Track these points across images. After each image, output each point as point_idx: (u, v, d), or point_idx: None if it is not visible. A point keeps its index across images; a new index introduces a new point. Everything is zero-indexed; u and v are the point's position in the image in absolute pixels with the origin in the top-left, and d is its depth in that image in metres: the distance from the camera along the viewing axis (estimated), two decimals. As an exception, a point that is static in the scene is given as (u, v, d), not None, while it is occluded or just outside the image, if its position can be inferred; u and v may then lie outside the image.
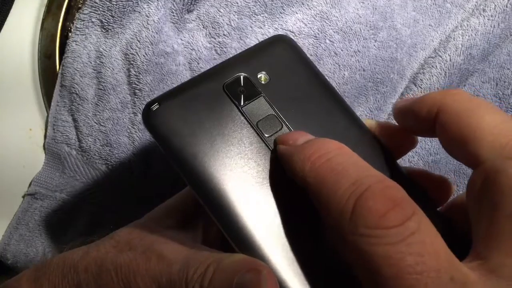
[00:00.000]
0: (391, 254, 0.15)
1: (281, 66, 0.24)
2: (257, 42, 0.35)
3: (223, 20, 0.35)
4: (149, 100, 0.23)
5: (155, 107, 0.22)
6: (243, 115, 0.23)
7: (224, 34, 0.35)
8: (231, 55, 0.35)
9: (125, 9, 0.34)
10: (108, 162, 0.35)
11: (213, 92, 0.23)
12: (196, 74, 0.35)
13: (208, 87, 0.23)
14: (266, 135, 0.22)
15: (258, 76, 0.24)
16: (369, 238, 0.16)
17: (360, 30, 0.35)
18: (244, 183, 0.21)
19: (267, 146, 0.22)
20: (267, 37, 0.35)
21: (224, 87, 0.23)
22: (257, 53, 0.24)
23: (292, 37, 0.36)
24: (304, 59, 0.25)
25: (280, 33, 0.35)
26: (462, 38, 0.35)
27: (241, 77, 0.23)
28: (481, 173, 0.18)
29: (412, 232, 0.16)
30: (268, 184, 0.21)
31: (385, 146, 0.23)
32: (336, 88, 0.25)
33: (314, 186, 0.18)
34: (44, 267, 0.24)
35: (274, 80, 0.24)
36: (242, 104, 0.23)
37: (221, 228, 0.20)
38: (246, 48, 0.35)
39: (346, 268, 0.19)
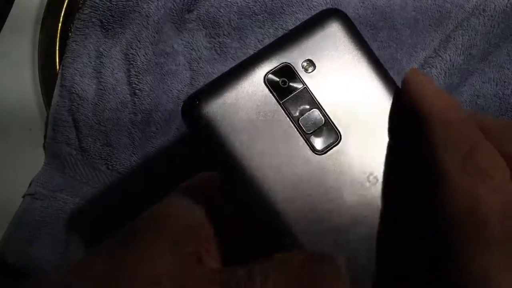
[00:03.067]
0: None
1: (329, 49, 0.22)
2: (257, 42, 0.35)
3: (223, 20, 0.35)
4: (189, 94, 0.21)
5: (195, 103, 0.21)
6: (284, 111, 0.21)
7: (224, 34, 0.35)
8: (231, 55, 0.35)
9: (125, 9, 0.34)
10: (108, 162, 0.35)
11: (254, 85, 0.21)
12: (196, 74, 0.35)
13: (249, 78, 0.21)
14: (308, 133, 0.21)
15: (303, 63, 0.22)
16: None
17: (360, 30, 0.35)
18: (284, 189, 0.20)
19: (309, 146, 0.21)
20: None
21: (265, 79, 0.21)
22: (303, 35, 0.22)
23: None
24: (358, 40, 0.23)
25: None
26: (462, 38, 0.34)
27: (284, 66, 0.22)
28: None
29: None
30: (309, 191, 0.21)
31: None
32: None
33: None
34: None
35: (320, 67, 0.22)
36: (283, 98, 0.21)
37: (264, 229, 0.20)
38: (244, 46, 0.35)
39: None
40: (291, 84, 0.21)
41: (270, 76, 0.21)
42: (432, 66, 0.35)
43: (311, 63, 0.22)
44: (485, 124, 0.20)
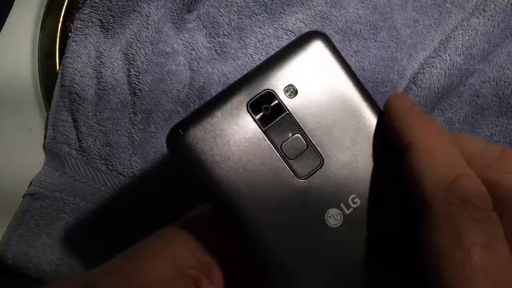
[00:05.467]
0: None
1: (311, 72, 0.22)
2: (257, 42, 0.35)
3: (223, 20, 0.35)
4: (174, 124, 0.21)
5: (180, 133, 0.21)
6: (268, 139, 0.21)
7: (224, 34, 0.35)
8: (231, 55, 0.35)
9: (125, 9, 0.34)
10: (108, 162, 0.35)
11: (238, 113, 0.21)
12: (196, 74, 0.35)
13: (233, 107, 0.21)
14: (291, 159, 0.21)
15: (285, 89, 0.22)
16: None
17: (360, 30, 0.35)
18: (268, 217, 0.21)
19: (292, 173, 0.21)
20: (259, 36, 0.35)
21: (248, 106, 0.21)
22: (285, 60, 0.22)
23: (293, 38, 0.36)
24: (340, 62, 0.23)
25: (280, 31, 0.35)
26: (462, 38, 0.35)
27: (266, 93, 0.22)
28: None
29: None
30: (293, 217, 0.21)
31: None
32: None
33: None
34: None
35: (302, 91, 0.22)
36: (266, 125, 0.21)
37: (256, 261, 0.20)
38: (244, 46, 0.35)
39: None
40: (273, 111, 0.22)
41: (253, 104, 0.21)
42: (432, 66, 0.35)
43: (293, 88, 0.22)
44: (467, 149, 0.21)
